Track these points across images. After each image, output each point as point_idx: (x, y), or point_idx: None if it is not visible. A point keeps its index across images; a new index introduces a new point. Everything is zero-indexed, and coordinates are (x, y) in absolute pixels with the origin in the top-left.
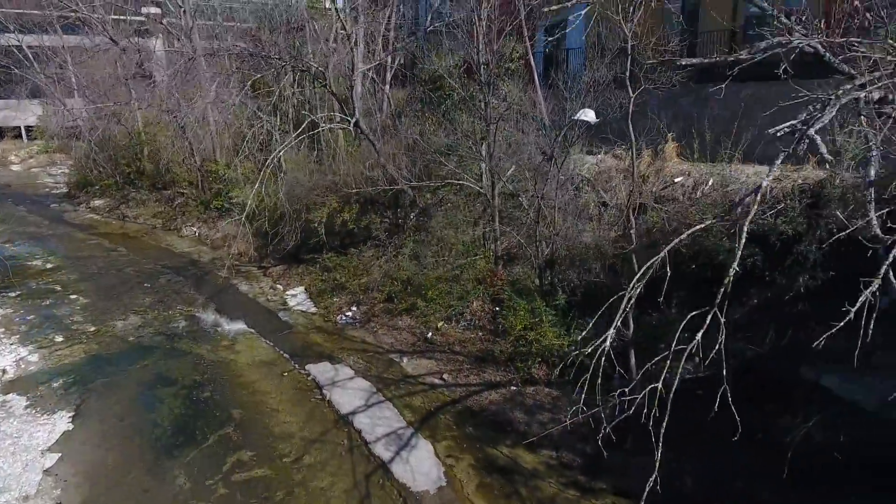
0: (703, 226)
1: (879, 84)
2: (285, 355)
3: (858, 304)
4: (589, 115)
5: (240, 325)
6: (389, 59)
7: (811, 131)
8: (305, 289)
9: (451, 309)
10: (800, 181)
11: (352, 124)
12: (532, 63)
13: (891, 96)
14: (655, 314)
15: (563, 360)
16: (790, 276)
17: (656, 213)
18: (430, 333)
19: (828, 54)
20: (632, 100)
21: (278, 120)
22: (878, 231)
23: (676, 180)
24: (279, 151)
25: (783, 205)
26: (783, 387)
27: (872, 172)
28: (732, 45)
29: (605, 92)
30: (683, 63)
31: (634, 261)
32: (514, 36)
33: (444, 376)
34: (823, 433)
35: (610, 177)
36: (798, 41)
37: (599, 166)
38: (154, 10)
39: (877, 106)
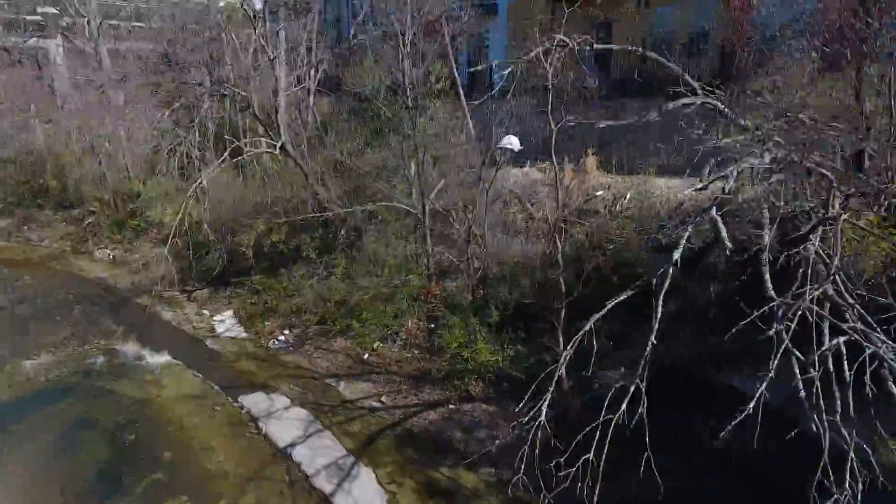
0: (624, 296)
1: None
2: (216, 387)
3: (752, 404)
4: (513, 142)
5: (165, 357)
6: (313, 72)
7: (713, 212)
8: (234, 313)
9: (387, 328)
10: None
11: (278, 147)
12: (458, 83)
13: (779, 154)
14: (583, 324)
15: (497, 377)
16: (702, 284)
17: (580, 229)
18: (366, 355)
19: (727, 110)
20: (554, 132)
21: (198, 136)
22: (772, 293)
23: (598, 194)
24: (202, 180)
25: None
26: (701, 389)
27: (766, 239)
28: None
29: (528, 117)
30: (601, 125)
31: (562, 283)
32: (439, 56)
33: (383, 399)
34: (740, 432)
35: (536, 190)
36: (701, 100)
37: (525, 179)
38: (50, 10)
39: (769, 169)
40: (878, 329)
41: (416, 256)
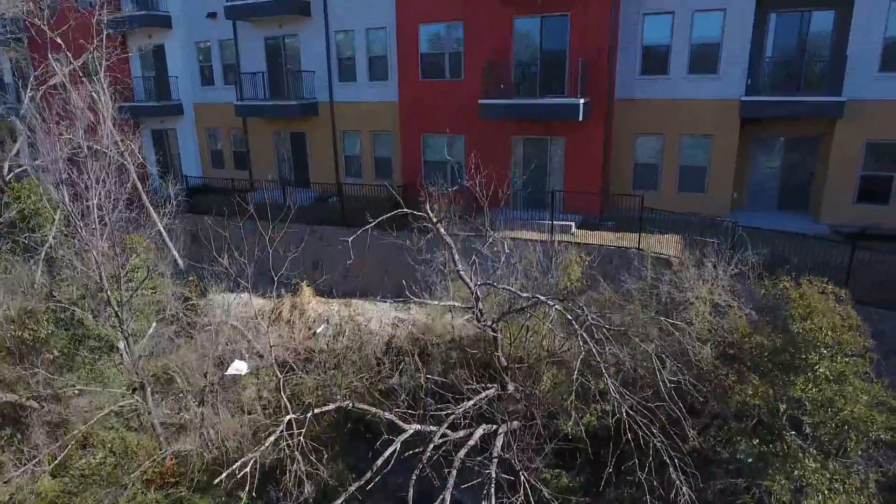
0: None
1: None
2: None
3: None
4: (240, 367)
5: None
6: None
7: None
8: None
9: None
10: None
11: None
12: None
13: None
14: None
15: None
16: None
17: (305, 383)
18: None
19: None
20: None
21: None
22: None
23: (318, 330)
24: None
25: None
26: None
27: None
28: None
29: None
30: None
31: (300, 462)
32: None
33: None
34: None
35: (258, 322)
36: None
37: (246, 309)
38: None
39: None
40: None
41: (147, 435)
